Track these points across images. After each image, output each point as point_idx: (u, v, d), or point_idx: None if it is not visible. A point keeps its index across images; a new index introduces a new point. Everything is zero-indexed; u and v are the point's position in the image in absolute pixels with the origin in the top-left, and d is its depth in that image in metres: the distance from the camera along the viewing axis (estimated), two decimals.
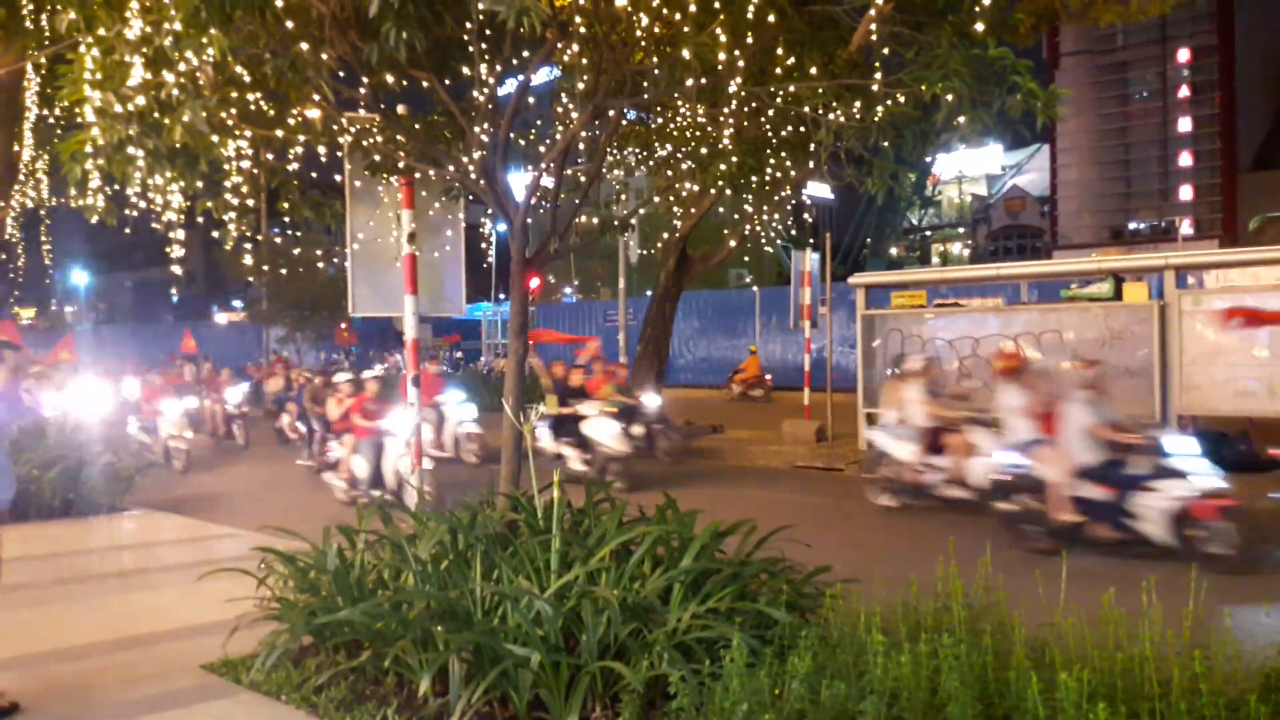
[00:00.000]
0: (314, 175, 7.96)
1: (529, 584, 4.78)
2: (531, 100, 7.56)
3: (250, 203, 6.79)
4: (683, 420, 19.35)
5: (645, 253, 21.49)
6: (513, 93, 6.90)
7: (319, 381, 15.92)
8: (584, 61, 6.40)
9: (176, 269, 13.17)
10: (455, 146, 7.24)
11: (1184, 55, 59.93)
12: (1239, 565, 7.18)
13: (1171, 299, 12.48)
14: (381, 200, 7.83)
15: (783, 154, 7.52)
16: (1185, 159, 60.81)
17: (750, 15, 5.93)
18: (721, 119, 6.68)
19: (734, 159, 7.06)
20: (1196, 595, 3.42)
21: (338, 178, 7.72)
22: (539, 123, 8.58)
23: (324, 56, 5.97)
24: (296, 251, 32.33)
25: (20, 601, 6.59)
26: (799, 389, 16.71)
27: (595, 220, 8.74)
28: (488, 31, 6.36)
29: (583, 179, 8.55)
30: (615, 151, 8.64)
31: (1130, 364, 12.65)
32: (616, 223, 8.54)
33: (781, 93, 6.44)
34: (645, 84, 6.87)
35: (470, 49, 6.24)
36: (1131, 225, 63.57)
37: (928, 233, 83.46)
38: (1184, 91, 60.49)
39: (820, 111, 6.44)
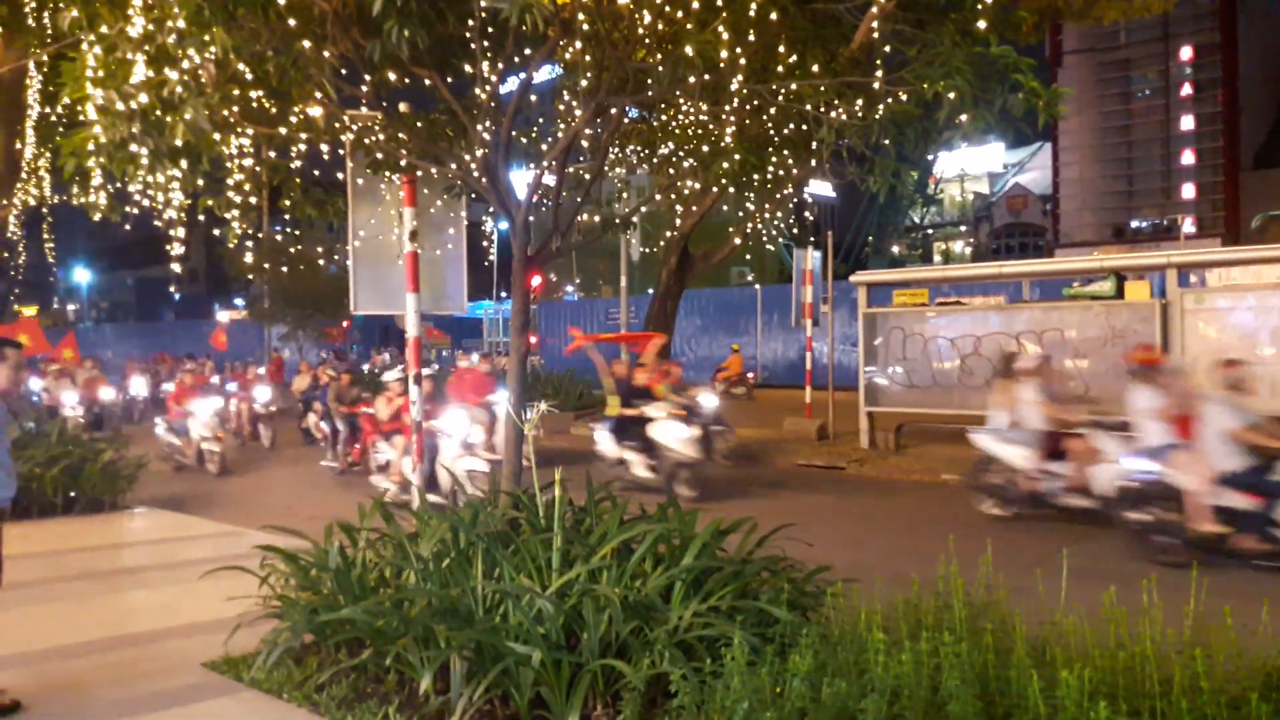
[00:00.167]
0: (316, 173, 7.96)
1: (530, 582, 4.78)
2: (533, 98, 7.56)
3: (252, 201, 6.79)
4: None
5: (647, 251, 21.50)
6: (515, 90, 6.89)
7: (344, 380, 15.46)
8: (586, 59, 6.39)
9: (178, 267, 13.09)
10: (457, 144, 7.23)
11: (1186, 53, 59.82)
12: None
13: (1174, 297, 12.48)
14: (383, 198, 7.82)
15: (785, 152, 7.52)
16: (1188, 157, 60.71)
17: (752, 13, 5.93)
18: (723, 117, 6.67)
19: (736, 157, 7.06)
20: (1198, 595, 3.42)
21: (340, 175, 7.71)
22: (541, 121, 8.58)
23: (326, 54, 5.97)
24: (297, 249, 32.30)
25: (22, 599, 6.60)
26: (800, 387, 16.70)
27: (597, 218, 8.74)
28: (490, 29, 6.36)
29: (585, 177, 8.54)
30: (617, 149, 8.63)
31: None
32: (618, 221, 8.54)
33: (784, 90, 6.44)
34: (648, 82, 6.87)
35: (472, 46, 6.24)
36: (1134, 223, 63.48)
37: (929, 231, 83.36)
38: (1186, 90, 60.37)
39: (822, 109, 6.44)
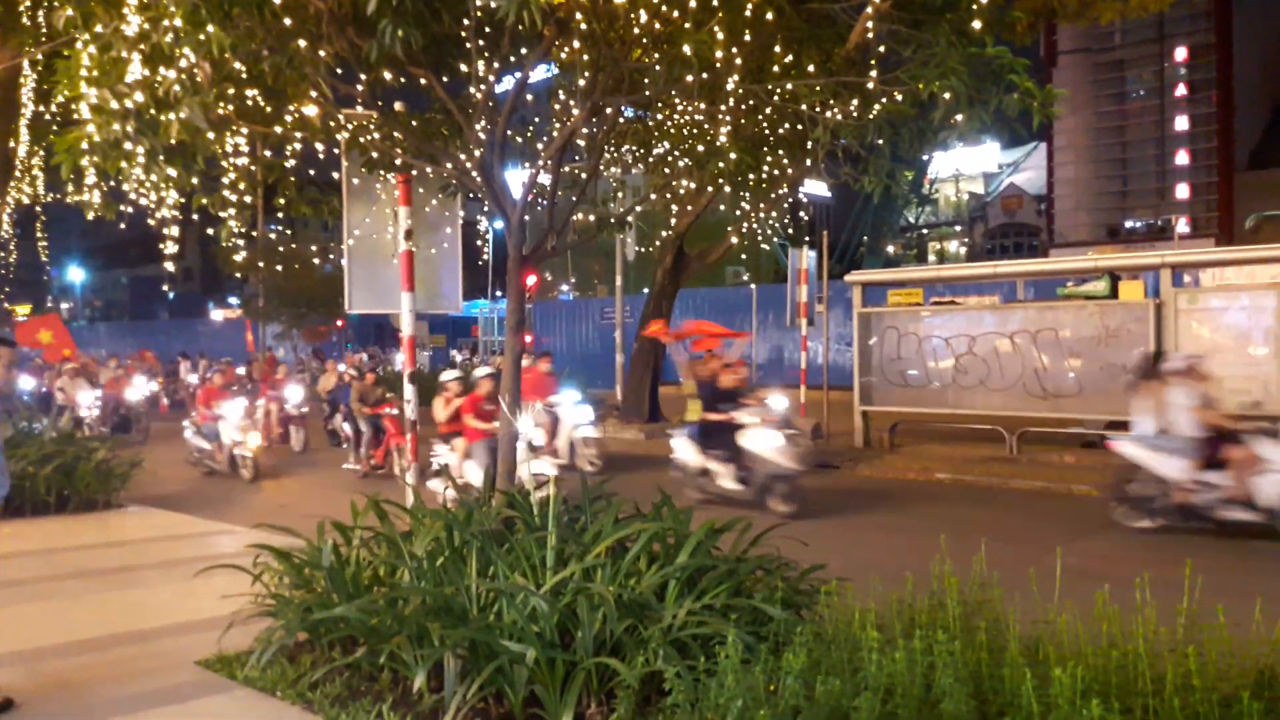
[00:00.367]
0: (311, 172, 7.96)
1: (525, 580, 4.78)
2: (529, 97, 7.56)
3: (247, 199, 6.78)
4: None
5: (642, 250, 21.50)
6: (510, 90, 6.89)
7: (369, 379, 14.88)
8: (583, 58, 6.40)
9: (172, 266, 13.04)
10: (453, 143, 7.23)
11: (1181, 54, 59.95)
12: None
13: (1168, 297, 12.52)
14: (379, 197, 7.82)
15: (780, 152, 7.53)
16: (1182, 157, 60.85)
17: (748, 13, 5.93)
18: (719, 116, 6.68)
19: (731, 156, 7.06)
20: (1191, 593, 3.43)
21: (335, 174, 7.71)
22: (537, 120, 8.57)
23: (321, 53, 5.96)
24: (292, 248, 32.30)
25: (14, 597, 6.59)
26: (795, 386, 16.73)
27: (592, 218, 8.74)
28: (486, 28, 6.36)
29: (580, 176, 8.55)
30: (613, 149, 8.63)
31: (1126, 362, 12.68)
32: (614, 220, 8.54)
33: (779, 90, 6.45)
34: (644, 81, 6.87)
35: (468, 46, 6.23)
36: (1128, 224, 63.61)
37: (924, 231, 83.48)
38: (1181, 90, 60.51)
39: (818, 109, 6.45)
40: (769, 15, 6.07)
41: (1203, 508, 8.75)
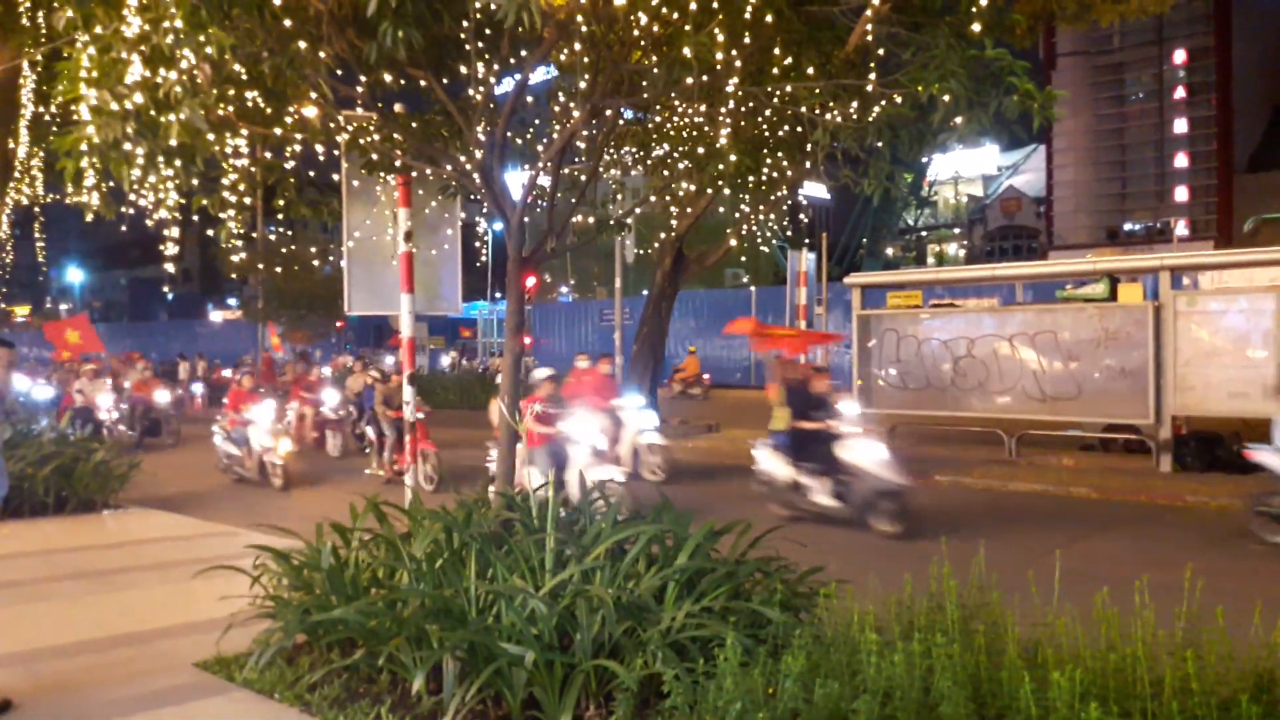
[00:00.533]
0: (311, 173, 7.96)
1: (524, 582, 4.78)
2: (529, 99, 7.57)
3: (247, 201, 6.79)
4: (678, 420, 19.38)
5: (642, 252, 21.50)
6: (510, 92, 6.90)
7: (394, 382, 13.68)
8: (583, 60, 6.40)
9: (171, 267, 12.97)
10: (452, 145, 7.24)
11: (1180, 56, 60.03)
12: None
13: (1166, 300, 12.53)
14: (378, 198, 7.83)
15: (779, 154, 7.54)
16: (1181, 160, 60.92)
17: (748, 15, 5.94)
18: (719, 119, 6.68)
19: (731, 159, 7.07)
20: (1191, 595, 3.43)
21: (335, 176, 7.71)
22: (536, 122, 8.58)
23: (322, 55, 5.97)
24: (292, 249, 32.26)
25: (13, 599, 6.58)
26: None
27: (592, 219, 8.75)
28: (486, 30, 6.37)
29: (580, 178, 8.56)
30: (612, 151, 8.64)
31: (1125, 365, 12.70)
32: (613, 222, 8.55)
33: (779, 93, 6.45)
34: (643, 83, 6.87)
35: (468, 47, 6.24)
36: (1127, 226, 63.67)
37: (924, 233, 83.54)
38: (1180, 93, 60.60)
39: (817, 111, 6.45)
40: (768, 18, 6.07)
41: None
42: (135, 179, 5.93)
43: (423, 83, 6.68)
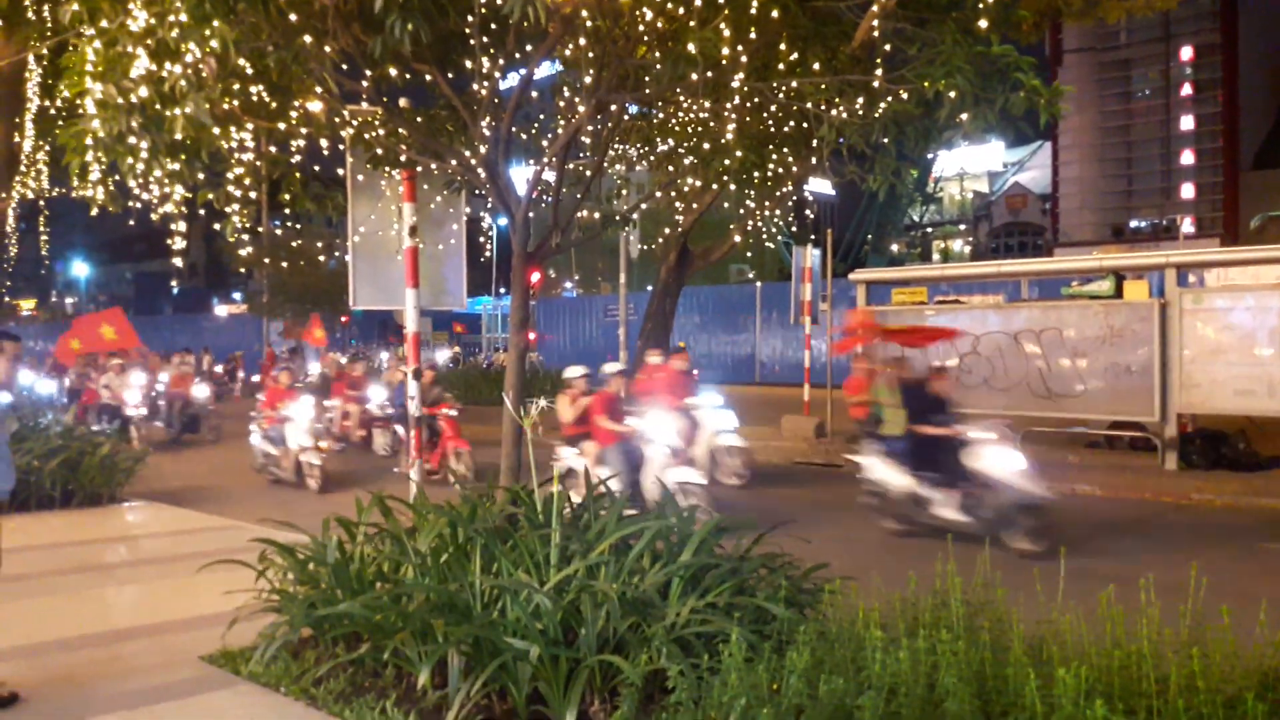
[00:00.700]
0: (316, 168, 7.97)
1: (528, 577, 4.79)
2: (534, 94, 7.57)
3: (252, 195, 6.80)
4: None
5: (646, 248, 21.48)
6: (515, 87, 6.90)
7: (427, 378, 12.21)
8: (588, 55, 6.39)
9: (177, 261, 12.96)
10: (457, 140, 7.24)
11: (1187, 53, 59.87)
12: None
13: (1172, 297, 12.49)
14: (383, 193, 7.83)
15: (785, 149, 7.53)
16: (1187, 157, 60.77)
17: (754, 10, 5.93)
18: (724, 114, 6.68)
19: (736, 154, 7.07)
20: (1196, 593, 3.43)
21: (340, 171, 7.72)
22: (541, 117, 8.58)
23: (327, 49, 5.97)
24: (297, 243, 32.29)
25: (20, 592, 6.60)
26: (799, 385, 16.72)
27: (597, 215, 8.75)
28: (491, 25, 6.36)
29: (585, 174, 8.56)
30: (618, 146, 8.63)
31: (1131, 362, 12.66)
32: (618, 217, 8.55)
33: (784, 88, 6.45)
34: (648, 79, 6.87)
35: (473, 42, 6.24)
36: (1133, 223, 63.56)
37: (929, 229, 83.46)
38: (1186, 89, 60.44)
39: (823, 107, 6.44)
40: (774, 13, 6.07)
41: None
42: (140, 173, 5.95)
43: (428, 77, 6.69)
